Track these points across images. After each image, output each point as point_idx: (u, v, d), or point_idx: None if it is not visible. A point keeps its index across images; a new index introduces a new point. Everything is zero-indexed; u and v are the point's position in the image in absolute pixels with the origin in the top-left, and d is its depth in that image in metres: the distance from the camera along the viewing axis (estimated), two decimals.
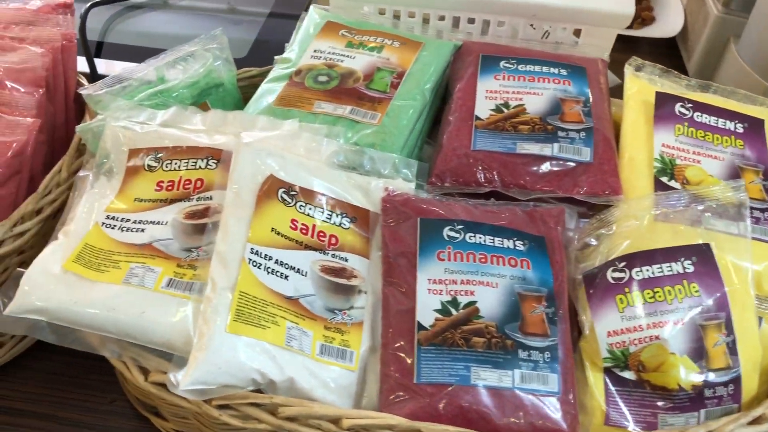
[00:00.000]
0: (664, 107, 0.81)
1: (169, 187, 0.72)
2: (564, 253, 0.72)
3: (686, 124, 0.80)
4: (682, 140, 0.79)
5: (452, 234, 0.71)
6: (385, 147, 0.78)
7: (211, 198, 0.70)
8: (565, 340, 0.67)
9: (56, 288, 0.63)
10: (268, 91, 0.85)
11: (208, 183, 0.71)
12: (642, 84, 0.83)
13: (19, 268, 0.64)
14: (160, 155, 0.74)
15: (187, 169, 0.73)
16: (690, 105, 0.81)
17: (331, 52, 0.88)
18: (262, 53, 1.12)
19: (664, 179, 0.76)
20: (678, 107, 0.81)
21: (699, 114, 0.81)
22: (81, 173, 0.75)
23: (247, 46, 1.13)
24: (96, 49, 1.12)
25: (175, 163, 0.73)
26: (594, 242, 0.72)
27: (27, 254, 0.77)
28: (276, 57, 0.98)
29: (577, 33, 0.97)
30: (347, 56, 0.87)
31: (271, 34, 1.16)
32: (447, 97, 0.89)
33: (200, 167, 0.72)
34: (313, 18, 0.93)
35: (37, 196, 0.76)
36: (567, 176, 0.78)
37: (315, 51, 0.88)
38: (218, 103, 0.90)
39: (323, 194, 0.72)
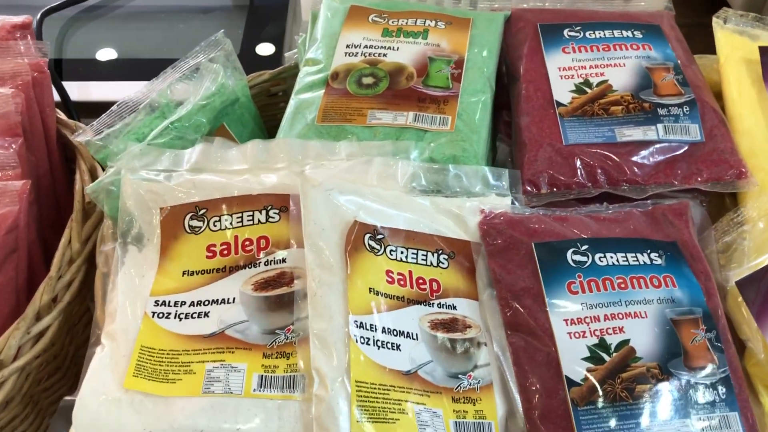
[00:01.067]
0: None
1: (225, 252, 0.57)
2: (705, 259, 0.60)
3: None
4: None
5: (578, 258, 0.59)
6: (467, 157, 0.65)
7: (284, 260, 0.56)
8: (735, 368, 0.56)
9: (121, 416, 0.49)
10: (305, 104, 0.69)
11: (275, 239, 0.57)
12: (737, 39, 0.72)
13: (67, 397, 0.49)
14: (203, 211, 0.59)
15: (242, 225, 0.58)
16: None
17: (368, 46, 0.73)
18: (253, 53, 0.96)
19: None
20: None
21: None
22: (103, 247, 0.60)
23: (234, 45, 0.96)
24: (56, 69, 0.94)
25: (226, 220, 0.58)
26: (738, 240, 0.61)
27: (50, 353, 0.62)
28: (287, 54, 0.83)
29: None
30: (389, 48, 0.72)
31: (258, 26, 1.00)
32: (509, 81, 0.76)
33: (259, 221, 0.58)
34: (331, 5, 0.77)
35: (51, 282, 0.60)
36: (681, 162, 0.66)
37: (348, 46, 0.73)
38: (237, 124, 0.75)
39: (412, 231, 0.59)
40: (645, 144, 0.67)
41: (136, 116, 0.68)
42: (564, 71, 0.72)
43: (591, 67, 0.72)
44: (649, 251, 0.60)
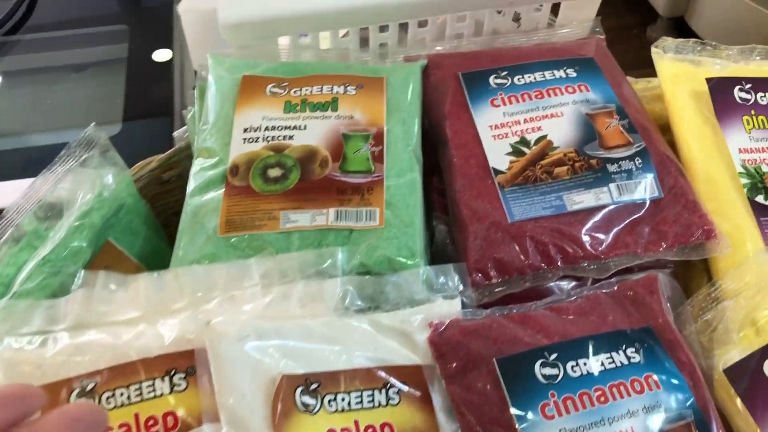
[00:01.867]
0: (722, 97, 0.62)
1: None
2: (685, 345, 0.53)
3: (753, 112, 0.62)
4: (756, 136, 0.61)
5: (548, 372, 0.50)
6: (404, 256, 0.55)
7: None
8: None
9: None
10: (203, 210, 0.58)
11: (186, 415, 0.46)
12: (681, 71, 0.64)
13: None
14: (91, 386, 0.47)
15: (143, 400, 0.47)
16: (749, 85, 0.63)
17: (270, 127, 0.61)
18: (135, 124, 0.84)
19: (761, 198, 0.59)
20: (737, 93, 0.62)
21: (762, 95, 0.63)
22: None
23: (115, 114, 0.84)
24: None
25: (122, 394, 0.47)
26: (719, 318, 0.54)
27: None
28: (176, 134, 0.71)
29: (555, 9, 0.76)
30: (295, 127, 0.61)
31: (140, 90, 0.87)
32: (435, 141, 0.66)
33: (163, 392, 0.47)
34: (219, 77, 0.66)
35: None
36: (641, 225, 0.58)
37: (246, 130, 0.61)
38: (126, 235, 0.63)
39: (352, 369, 0.49)
40: (598, 210, 0.59)
41: None
42: (497, 129, 0.63)
43: (526, 121, 0.63)
44: (624, 347, 0.52)
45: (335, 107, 0.63)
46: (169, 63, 0.89)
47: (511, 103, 0.65)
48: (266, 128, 0.61)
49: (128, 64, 0.89)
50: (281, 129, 0.61)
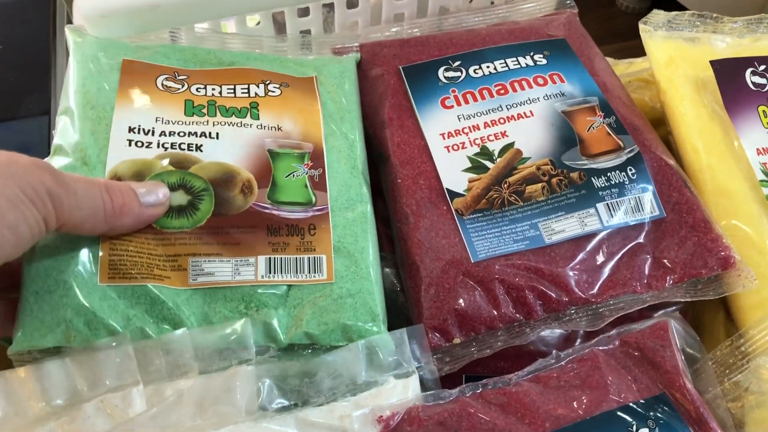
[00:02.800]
0: (732, 83, 0.49)
1: None
2: (710, 416, 0.40)
3: None
4: None
5: None
6: (363, 319, 0.42)
7: None
8: None
9: None
10: (65, 243, 0.42)
11: None
12: (677, 51, 0.51)
13: None
14: None
15: None
16: (763, 67, 0.50)
17: (168, 132, 0.45)
18: (5, 126, 0.68)
19: None
20: (750, 77, 0.49)
21: None
22: None
23: None
24: None
25: None
26: (753, 380, 0.41)
27: None
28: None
29: None
30: (203, 135, 0.46)
31: (12, 83, 0.71)
32: (374, 156, 0.52)
33: None
34: (86, 57, 0.48)
35: None
36: (641, 256, 0.45)
37: (132, 130, 0.45)
38: None
39: None
40: (585, 240, 0.46)
41: None
42: (450, 138, 0.49)
43: (487, 125, 0.50)
44: (634, 428, 0.39)
45: (255, 114, 0.48)
46: (47, 50, 0.73)
47: (467, 102, 0.51)
48: (162, 132, 0.45)
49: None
50: (183, 135, 0.45)
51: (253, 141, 0.46)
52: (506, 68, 0.52)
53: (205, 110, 0.47)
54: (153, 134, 0.45)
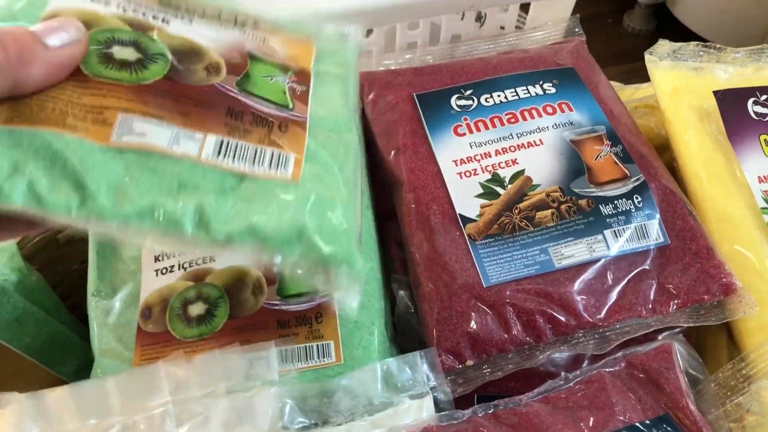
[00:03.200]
0: (734, 113, 0.51)
1: None
2: None
3: None
4: None
5: None
6: (328, 233, 0.35)
7: None
8: None
9: None
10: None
11: None
12: (682, 82, 0.53)
13: None
14: None
15: None
16: (765, 96, 0.52)
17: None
18: None
19: None
20: (752, 107, 0.51)
21: None
22: None
23: None
24: None
25: None
26: (754, 403, 0.43)
27: None
28: None
29: (524, 6, 0.64)
30: (175, 16, 0.39)
31: None
32: (386, 182, 0.54)
33: None
34: None
35: None
36: (646, 281, 0.47)
37: None
38: (12, 328, 0.51)
39: None
40: (593, 264, 0.47)
41: None
42: (463, 165, 0.51)
43: (498, 152, 0.52)
44: None
45: (242, 25, 0.41)
46: None
47: (478, 130, 0.53)
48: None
49: None
50: (148, 11, 0.39)
51: (234, 40, 0.40)
52: (516, 97, 0.54)
53: (183, 8, 0.40)
54: None
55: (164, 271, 0.47)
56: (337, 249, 0.35)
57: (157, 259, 0.47)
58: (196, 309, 0.45)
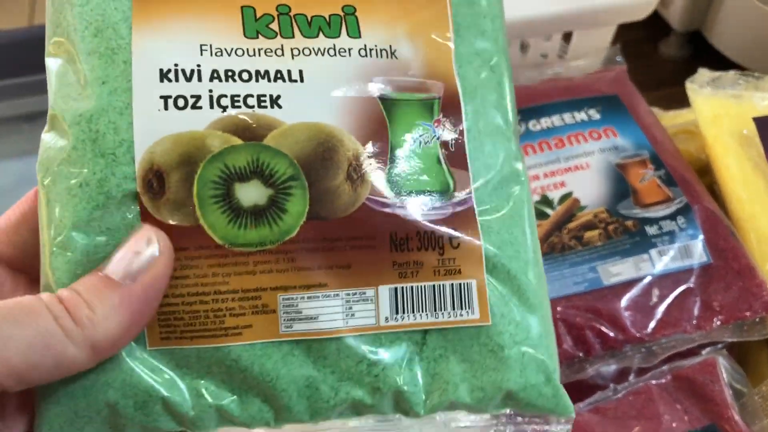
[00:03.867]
0: None
1: None
2: None
3: None
4: None
5: None
6: (532, 376, 0.30)
7: None
8: None
9: None
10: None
11: None
12: (723, 109, 0.55)
13: None
14: None
15: None
16: None
17: (220, 71, 0.28)
18: None
19: None
20: None
21: None
22: None
23: None
24: None
25: None
26: None
27: None
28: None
29: (566, 37, 0.67)
30: (276, 74, 0.29)
31: None
32: None
33: None
34: None
35: None
36: (690, 298, 0.50)
37: (164, 75, 0.28)
38: None
39: None
40: (639, 282, 0.50)
41: None
42: None
43: (546, 175, 0.55)
44: None
45: (354, 27, 0.30)
46: None
47: (527, 154, 0.56)
48: (214, 74, 0.28)
49: None
50: (249, 78, 0.28)
51: (355, 78, 0.29)
52: (563, 123, 0.58)
53: (275, 25, 0.29)
54: (200, 78, 0.28)
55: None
56: (543, 396, 0.30)
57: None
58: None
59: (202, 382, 0.28)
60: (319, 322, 0.28)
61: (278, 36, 0.29)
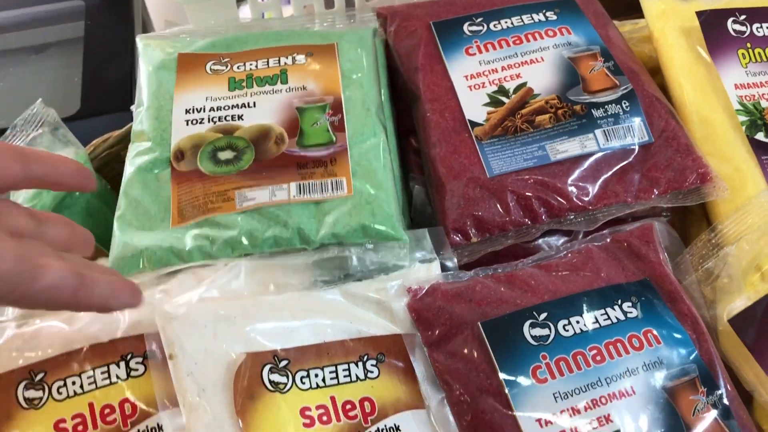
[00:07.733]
0: (715, 31, 0.58)
1: (80, 428, 0.42)
2: (685, 296, 0.49)
3: (749, 45, 0.58)
4: (753, 70, 0.57)
5: (538, 332, 0.46)
6: (380, 221, 0.51)
7: (160, 429, 0.42)
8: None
9: None
10: (146, 198, 0.53)
11: (144, 401, 0.43)
12: (669, 5, 0.60)
13: None
14: (40, 376, 0.43)
15: (97, 387, 0.43)
16: (744, 16, 0.58)
17: (215, 108, 0.56)
18: (93, 104, 0.79)
19: (761, 136, 0.54)
20: (731, 25, 0.58)
21: (758, 26, 0.58)
22: None
23: (74, 94, 0.79)
24: None
25: (75, 383, 0.43)
26: (720, 266, 0.50)
27: None
28: (134, 108, 0.67)
29: None
30: (244, 106, 0.56)
31: (99, 68, 0.83)
32: (407, 97, 0.62)
33: (119, 377, 0.43)
34: (151, 57, 0.60)
35: None
36: (631, 173, 0.54)
37: (188, 111, 0.56)
38: (83, 217, 0.59)
39: (325, 342, 0.46)
40: (584, 158, 0.54)
41: None
42: (473, 79, 0.59)
43: (504, 68, 0.59)
44: (620, 301, 0.48)
45: (284, 79, 0.58)
46: (128, 39, 0.84)
47: (487, 50, 0.60)
48: (212, 108, 0.56)
49: (85, 42, 0.84)
50: (228, 108, 0.56)
51: (284, 102, 0.57)
52: (521, 23, 0.62)
53: (244, 83, 0.58)
54: (204, 111, 0.56)
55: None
56: (387, 230, 0.51)
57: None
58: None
59: (201, 237, 0.50)
60: (256, 201, 0.52)
61: (245, 88, 0.58)
